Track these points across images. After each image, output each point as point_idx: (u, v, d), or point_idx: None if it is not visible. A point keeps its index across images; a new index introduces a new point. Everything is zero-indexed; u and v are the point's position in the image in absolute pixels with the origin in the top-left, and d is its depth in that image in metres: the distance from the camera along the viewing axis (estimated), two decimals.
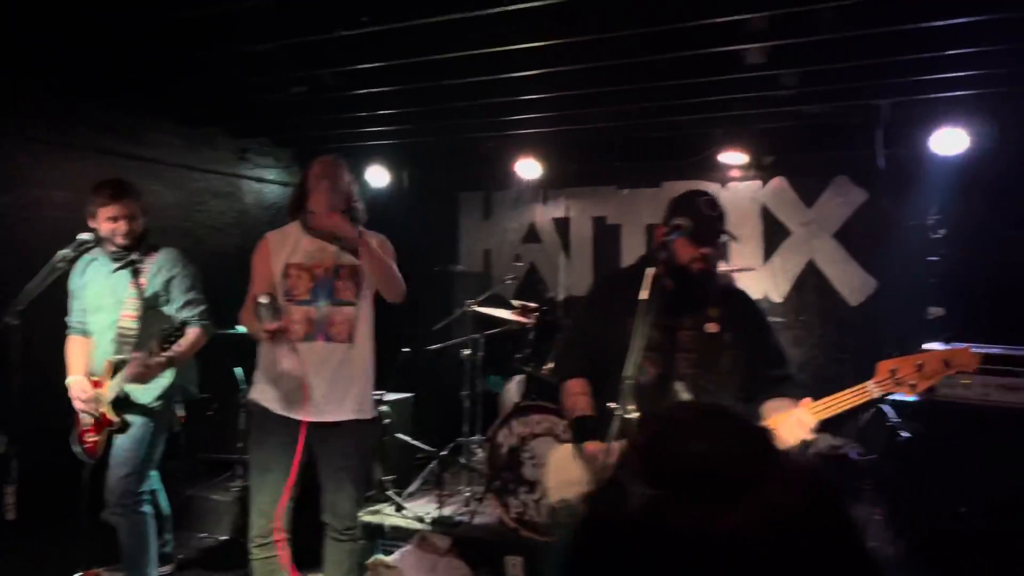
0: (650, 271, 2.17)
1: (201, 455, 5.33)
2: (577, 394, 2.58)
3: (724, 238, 2.51)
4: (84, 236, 3.34)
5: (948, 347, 3.32)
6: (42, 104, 4.80)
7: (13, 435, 2.93)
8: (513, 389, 5.70)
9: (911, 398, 3.91)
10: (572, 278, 6.25)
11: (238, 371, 4.90)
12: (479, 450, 4.86)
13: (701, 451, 0.65)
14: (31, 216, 4.78)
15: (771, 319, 2.96)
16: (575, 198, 6.39)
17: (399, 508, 4.45)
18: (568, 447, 2.64)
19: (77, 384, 3.53)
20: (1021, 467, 3.65)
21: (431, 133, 6.00)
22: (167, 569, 4.04)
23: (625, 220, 6.15)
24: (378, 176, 6.47)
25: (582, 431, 2.51)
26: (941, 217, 5.06)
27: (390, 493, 4.51)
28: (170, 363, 3.44)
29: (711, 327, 2.47)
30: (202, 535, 4.75)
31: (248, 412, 3.23)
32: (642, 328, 2.07)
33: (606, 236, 6.24)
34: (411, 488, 4.81)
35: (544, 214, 6.50)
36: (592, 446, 2.44)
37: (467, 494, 4.63)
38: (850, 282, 5.42)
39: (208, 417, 5.21)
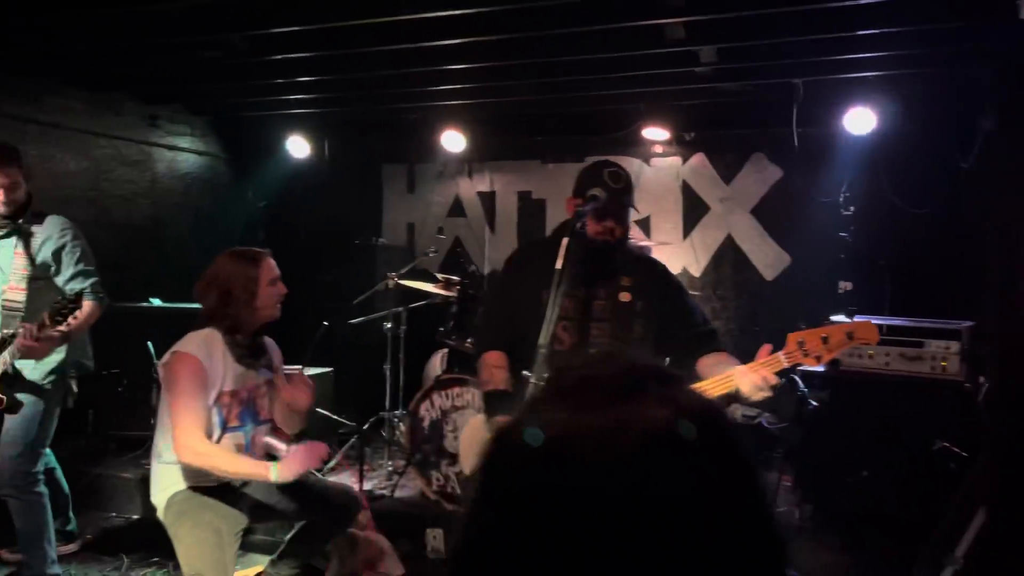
0: (564, 241, 2.17)
1: (111, 432, 5.13)
2: (493, 367, 2.57)
3: (630, 210, 2.53)
4: None
5: (852, 320, 3.45)
6: None
7: None
8: (436, 363, 5.69)
9: (818, 368, 4.06)
10: (497, 252, 6.23)
11: (149, 345, 4.73)
12: (401, 424, 4.82)
13: (586, 372, 0.64)
14: None
15: (691, 293, 3.00)
16: (500, 172, 6.36)
17: None
18: (478, 420, 2.65)
19: None
20: (920, 432, 3.83)
21: (352, 103, 5.87)
22: (71, 548, 3.90)
23: (550, 194, 6.17)
24: (298, 147, 6.31)
25: (494, 405, 2.51)
26: (850, 194, 5.23)
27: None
28: (64, 338, 3.26)
29: (624, 296, 2.49)
30: (110, 514, 4.58)
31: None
32: (556, 298, 2.07)
33: (531, 210, 6.25)
34: (331, 463, 4.74)
35: (469, 188, 6.45)
36: (504, 419, 2.44)
37: (389, 468, 4.60)
38: (765, 257, 5.58)
39: (118, 393, 5.02)
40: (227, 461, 2.73)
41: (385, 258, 6.17)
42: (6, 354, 3.18)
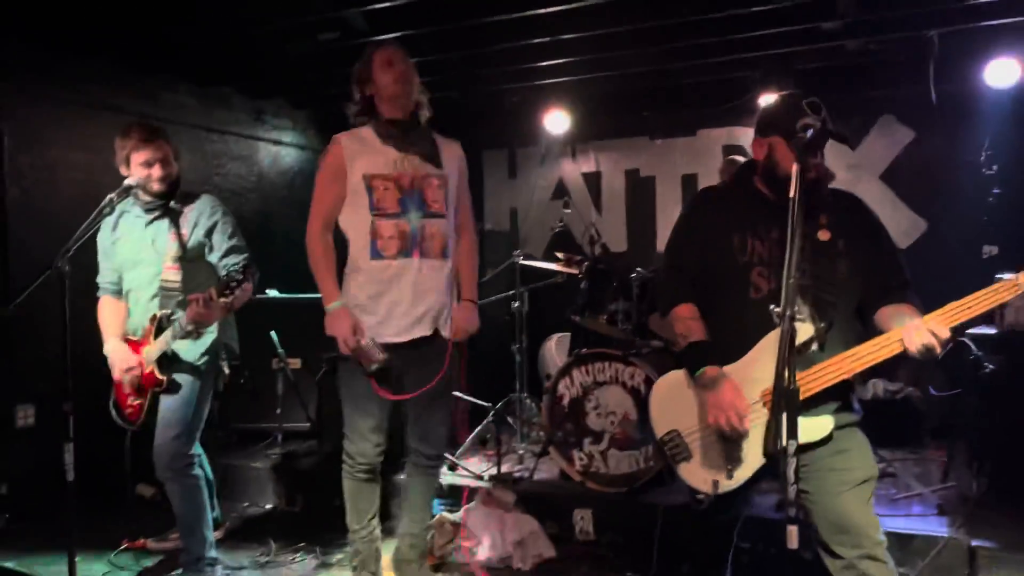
0: (794, 168, 1.99)
1: (235, 425, 5.13)
2: (687, 319, 2.40)
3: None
4: (131, 181, 3.11)
5: None
6: (56, 63, 4.56)
7: (66, 389, 2.72)
8: (553, 347, 5.56)
9: (992, 330, 3.77)
10: (604, 234, 6.04)
11: (273, 335, 4.70)
12: (532, 405, 4.70)
13: None
14: (49, 177, 4.56)
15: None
16: (606, 151, 6.19)
17: (453, 467, 4.27)
18: (675, 376, 2.47)
19: (117, 351, 3.32)
20: None
21: (455, 87, 5.77)
22: (217, 534, 3.85)
23: (660, 171, 5.97)
24: None
25: (698, 356, 2.34)
26: (993, 153, 4.90)
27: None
28: (228, 309, 3.24)
29: (823, 235, 2.30)
30: (244, 504, 4.56)
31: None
32: (795, 228, 1.90)
33: (640, 189, 6.06)
34: (464, 447, 4.63)
35: (573, 169, 6.30)
36: (711, 370, 2.27)
37: (522, 451, 4.48)
38: (898, 225, 5.27)
39: (240, 385, 4.99)
40: (316, 261, 2.90)
41: (490, 244, 6.08)
42: (167, 334, 3.15)
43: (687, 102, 5.80)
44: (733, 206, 2.43)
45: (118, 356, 3.30)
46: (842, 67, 5.20)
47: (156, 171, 3.21)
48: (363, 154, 2.88)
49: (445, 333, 2.99)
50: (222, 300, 2.98)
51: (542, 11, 4.25)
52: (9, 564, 3.56)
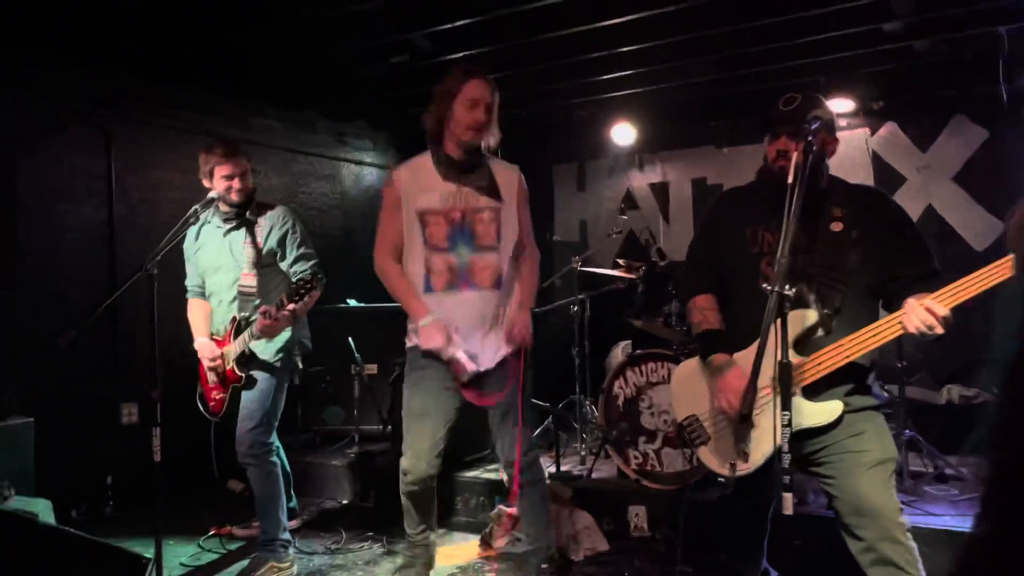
0: (794, 157, 2.09)
1: (316, 427, 5.46)
2: (704, 308, 2.52)
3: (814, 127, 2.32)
4: (214, 194, 3.46)
5: None
6: (156, 92, 5.03)
7: (154, 379, 3.04)
8: (619, 354, 5.65)
9: None
10: (672, 244, 6.12)
11: (350, 341, 5.01)
12: (592, 408, 4.81)
13: None
14: (152, 197, 5.02)
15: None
16: (672, 161, 6.28)
17: None
18: (691, 363, 2.58)
19: (204, 346, 3.67)
20: None
21: (524, 103, 6.00)
22: (294, 523, 4.14)
23: (727, 180, 6.00)
24: None
25: (710, 344, 2.45)
26: None
27: None
28: (293, 318, 3.53)
29: (835, 226, 2.36)
30: (322, 499, 4.85)
31: (406, 358, 3.09)
32: (790, 213, 1.99)
33: (707, 197, 6.10)
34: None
35: (640, 180, 6.41)
36: (719, 358, 2.38)
37: (583, 451, 4.59)
38: (974, 226, 5.14)
39: (322, 390, 5.33)
40: (394, 284, 2.94)
41: (560, 254, 6.23)
42: (245, 335, 3.47)
43: (753, 109, 5.80)
44: (749, 203, 2.54)
45: (205, 350, 3.66)
46: (910, 68, 5.13)
47: (236, 184, 3.55)
48: (418, 188, 2.92)
49: (505, 351, 2.99)
50: (291, 305, 3.26)
51: (605, 23, 4.41)
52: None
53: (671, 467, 3.96)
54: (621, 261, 4.85)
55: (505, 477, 3.37)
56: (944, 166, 5.25)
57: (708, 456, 2.43)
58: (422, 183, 2.94)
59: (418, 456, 3.00)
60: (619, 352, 5.68)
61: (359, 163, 6.63)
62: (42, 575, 2.71)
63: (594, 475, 4.29)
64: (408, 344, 3.05)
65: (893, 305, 2.33)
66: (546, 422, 4.84)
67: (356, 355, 5.02)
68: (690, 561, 3.45)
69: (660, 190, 6.33)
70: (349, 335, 5.07)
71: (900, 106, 5.39)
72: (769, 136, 2.48)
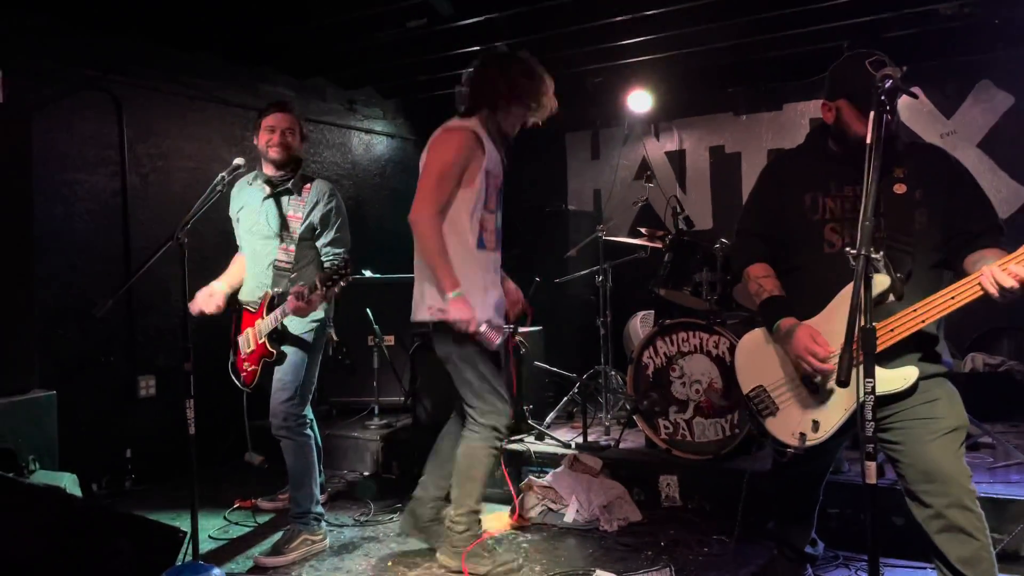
0: (871, 114, 2.01)
1: (334, 400, 5.41)
2: (760, 277, 2.47)
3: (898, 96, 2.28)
4: (238, 160, 3.36)
5: None
6: (167, 58, 4.90)
7: (187, 350, 2.96)
8: (638, 324, 5.61)
9: None
10: (689, 212, 6.03)
11: (368, 312, 4.93)
12: (616, 378, 4.77)
13: None
14: (164, 165, 4.90)
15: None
16: (689, 128, 6.19)
17: (541, 436, 4.40)
18: (756, 334, 2.53)
19: (213, 287, 3.58)
20: None
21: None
22: (323, 497, 4.10)
23: (745, 147, 5.93)
24: None
25: (775, 311, 2.40)
26: None
27: (531, 422, 4.46)
28: (326, 299, 3.46)
29: (898, 188, 2.30)
30: (343, 471, 4.81)
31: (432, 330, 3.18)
32: (870, 174, 1.93)
33: (725, 165, 6.03)
34: (550, 417, 4.76)
35: (656, 148, 6.32)
36: (787, 322, 2.32)
37: (608, 422, 4.56)
38: (998, 194, 5.09)
39: (338, 361, 5.26)
40: (434, 246, 2.96)
41: (575, 224, 6.16)
42: (277, 311, 3.39)
43: (772, 76, 5.73)
44: (804, 168, 2.48)
45: (207, 291, 3.56)
46: (934, 32, 5.04)
47: (276, 137, 3.44)
48: (486, 150, 3.06)
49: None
50: (323, 289, 3.18)
51: None
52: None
53: (703, 436, 3.93)
54: (643, 230, 4.78)
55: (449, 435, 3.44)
56: (969, 132, 5.20)
57: (776, 426, 2.39)
58: (488, 147, 3.07)
59: (507, 403, 3.15)
60: (638, 323, 5.65)
61: (369, 132, 6.50)
62: (81, 550, 2.66)
63: (621, 446, 4.27)
64: (434, 318, 3.03)
65: (956, 261, 2.29)
66: (571, 392, 4.80)
67: (375, 326, 4.95)
68: (723, 531, 3.44)
69: (676, 158, 6.24)
70: (366, 306, 4.99)
71: (923, 71, 5.31)
72: (828, 95, 2.38)
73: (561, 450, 4.21)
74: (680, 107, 6.11)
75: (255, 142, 3.54)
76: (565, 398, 4.82)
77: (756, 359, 2.48)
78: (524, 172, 6.53)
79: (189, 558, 2.85)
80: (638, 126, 6.32)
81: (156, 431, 4.63)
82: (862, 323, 1.80)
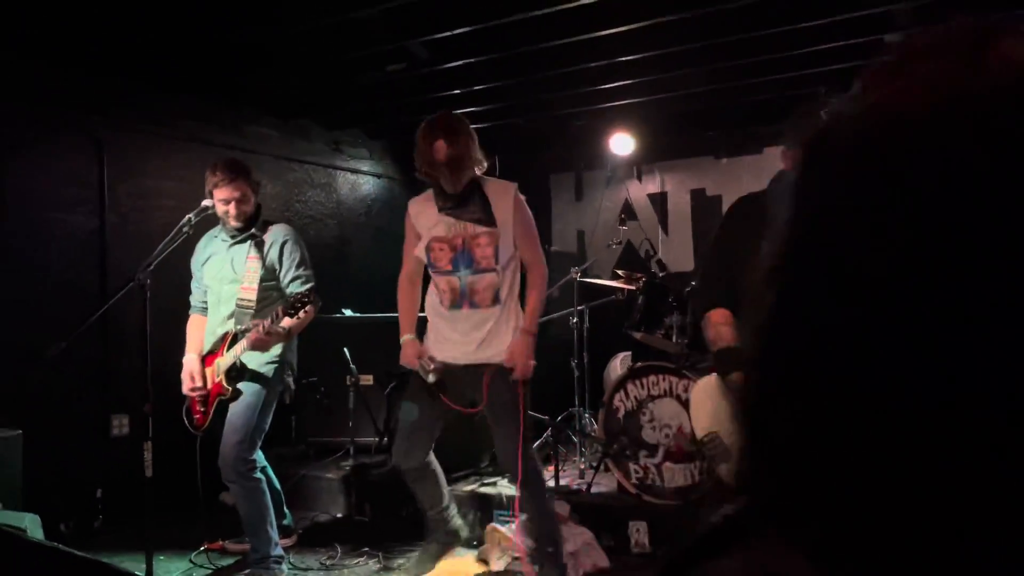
0: None
1: (311, 439, 5.37)
2: (720, 324, 2.46)
3: None
4: (207, 203, 3.41)
5: None
6: (150, 99, 4.97)
7: (146, 392, 2.97)
8: (618, 366, 5.59)
9: None
10: (671, 254, 6.08)
11: (346, 351, 4.93)
12: (591, 420, 4.74)
13: None
14: (144, 205, 4.94)
15: None
16: (671, 171, 6.24)
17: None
18: (710, 380, 2.52)
19: (189, 364, 3.63)
20: None
21: (522, 112, 5.96)
22: (290, 541, 4.06)
23: (726, 190, 5.97)
24: None
25: (727, 362, 2.39)
26: None
27: None
28: (287, 335, 3.48)
29: None
30: (316, 513, 4.76)
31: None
32: None
33: (706, 208, 6.07)
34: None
35: (639, 190, 6.37)
36: (740, 376, 2.32)
37: (582, 465, 4.53)
38: None
39: (316, 401, 5.24)
40: (398, 300, 3.38)
41: (558, 264, 6.17)
42: (237, 347, 3.41)
43: (752, 120, 5.79)
44: (766, 212, 2.48)
45: (188, 370, 3.61)
46: None
47: (232, 209, 3.54)
48: (426, 220, 3.29)
49: (498, 360, 3.27)
50: (286, 320, 3.21)
51: (603, 33, 4.37)
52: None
53: (673, 482, 3.89)
54: (620, 272, 4.80)
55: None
56: None
57: (729, 475, 2.36)
58: (429, 215, 3.29)
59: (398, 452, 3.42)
60: (617, 364, 5.63)
61: (355, 172, 6.56)
62: None
63: (593, 489, 4.22)
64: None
65: None
66: (544, 435, 4.77)
67: (352, 366, 4.93)
68: None
69: (659, 200, 6.28)
70: (344, 345, 4.99)
71: None
72: (787, 143, 2.44)
73: None
74: (662, 150, 6.17)
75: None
76: (538, 441, 4.78)
77: (711, 406, 2.47)
78: None
79: None
80: (621, 168, 6.38)
81: (128, 471, 4.57)
82: None
